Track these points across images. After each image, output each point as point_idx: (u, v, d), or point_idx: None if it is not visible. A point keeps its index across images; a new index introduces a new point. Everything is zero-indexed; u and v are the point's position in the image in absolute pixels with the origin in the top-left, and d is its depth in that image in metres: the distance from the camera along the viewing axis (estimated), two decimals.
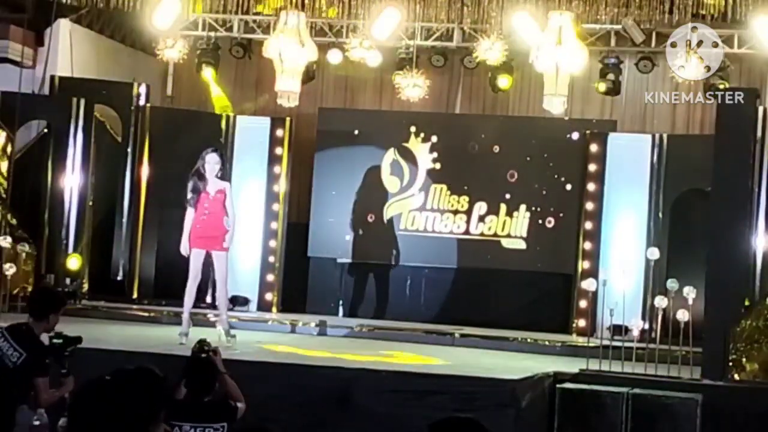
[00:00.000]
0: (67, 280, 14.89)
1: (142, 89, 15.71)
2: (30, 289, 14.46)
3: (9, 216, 14.39)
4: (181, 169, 15.80)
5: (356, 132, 15.86)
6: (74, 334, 7.43)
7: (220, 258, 11.85)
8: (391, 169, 15.67)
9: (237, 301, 15.36)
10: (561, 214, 15.14)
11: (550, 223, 15.16)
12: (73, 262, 14.96)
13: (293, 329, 14.00)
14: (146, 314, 14.32)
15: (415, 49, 15.86)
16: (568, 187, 15.12)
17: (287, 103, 15.29)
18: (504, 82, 15.61)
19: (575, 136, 15.13)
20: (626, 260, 13.41)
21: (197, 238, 11.72)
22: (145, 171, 15.54)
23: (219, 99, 16.31)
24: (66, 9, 15.58)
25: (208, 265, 12.48)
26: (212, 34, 16.29)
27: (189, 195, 11.75)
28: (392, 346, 12.59)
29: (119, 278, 15.45)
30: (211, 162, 11.75)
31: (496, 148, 15.46)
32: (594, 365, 10.84)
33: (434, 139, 15.58)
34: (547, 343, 13.29)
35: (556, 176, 15.20)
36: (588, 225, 14.77)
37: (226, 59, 16.40)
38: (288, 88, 15.18)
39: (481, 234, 15.36)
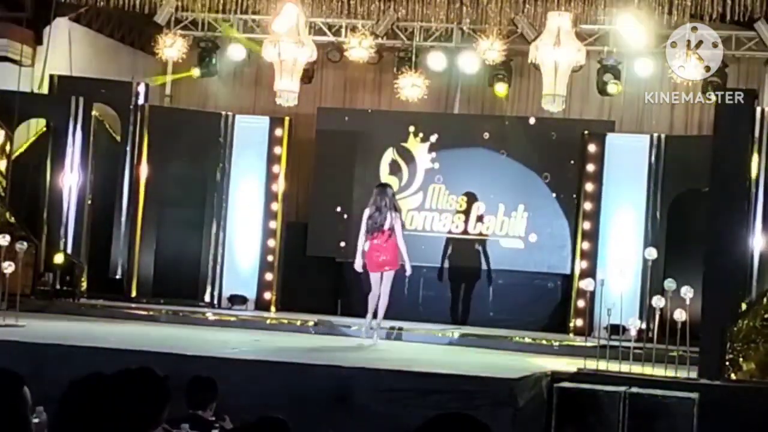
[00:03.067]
0: (66, 278, 14.93)
1: (141, 88, 15.72)
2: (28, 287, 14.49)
3: (8, 214, 14.39)
4: (179, 168, 15.89)
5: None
6: None
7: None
8: (389, 168, 15.68)
9: (235, 300, 15.38)
10: (556, 217, 15.16)
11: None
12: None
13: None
14: (144, 313, 14.31)
15: (415, 49, 15.87)
16: (567, 186, 15.13)
17: (286, 103, 15.29)
18: (500, 88, 15.65)
19: (574, 136, 15.15)
20: (624, 260, 13.43)
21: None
22: (143, 170, 15.54)
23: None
24: (65, 7, 15.59)
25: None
26: (212, 33, 16.30)
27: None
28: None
29: (118, 277, 15.46)
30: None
31: (495, 148, 15.47)
32: (591, 365, 10.85)
33: (433, 138, 15.60)
34: (544, 342, 13.31)
35: (554, 176, 15.21)
36: (586, 225, 14.78)
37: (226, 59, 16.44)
38: (287, 87, 15.18)
39: (480, 234, 15.38)
